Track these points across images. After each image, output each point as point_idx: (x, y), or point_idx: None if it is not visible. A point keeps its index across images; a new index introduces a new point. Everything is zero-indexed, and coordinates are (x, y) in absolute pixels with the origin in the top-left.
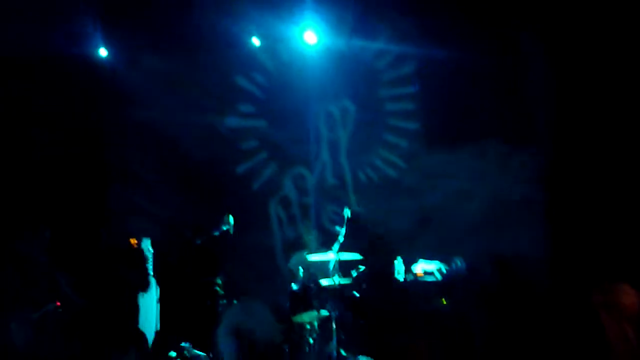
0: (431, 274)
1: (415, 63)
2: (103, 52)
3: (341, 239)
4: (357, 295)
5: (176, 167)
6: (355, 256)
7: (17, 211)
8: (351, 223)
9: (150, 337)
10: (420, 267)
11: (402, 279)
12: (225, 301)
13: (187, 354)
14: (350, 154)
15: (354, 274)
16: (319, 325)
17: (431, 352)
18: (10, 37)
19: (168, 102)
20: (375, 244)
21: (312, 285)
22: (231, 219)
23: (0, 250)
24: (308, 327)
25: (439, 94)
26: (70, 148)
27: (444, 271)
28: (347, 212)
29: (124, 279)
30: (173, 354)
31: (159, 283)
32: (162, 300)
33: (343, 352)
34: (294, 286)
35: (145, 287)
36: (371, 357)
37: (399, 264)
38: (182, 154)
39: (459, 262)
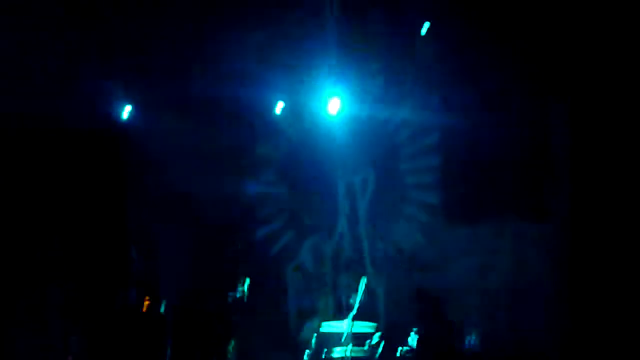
0: None
1: (436, 135)
2: (125, 114)
3: (355, 310)
4: None
5: (193, 231)
6: (369, 327)
7: (34, 270)
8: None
9: None
10: None
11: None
12: None
13: None
14: (368, 225)
15: (366, 347)
16: None
17: None
18: (30, 95)
19: (188, 167)
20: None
21: (324, 354)
22: (246, 285)
23: (14, 307)
24: None
25: (459, 168)
26: (88, 208)
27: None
28: (362, 283)
29: (139, 341)
30: None
31: (172, 347)
32: None
33: None
34: (307, 355)
35: (159, 350)
36: None
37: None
38: (200, 218)
39: (472, 339)
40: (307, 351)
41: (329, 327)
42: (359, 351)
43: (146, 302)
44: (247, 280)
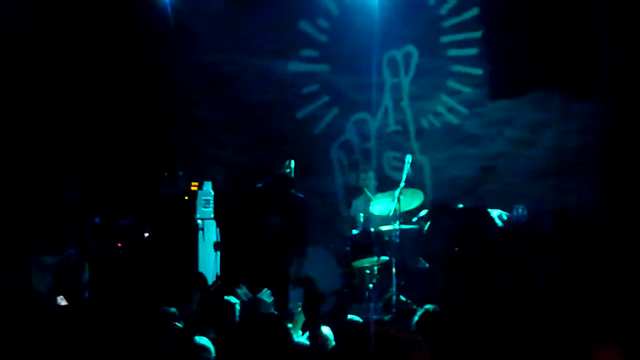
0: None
1: (477, 8)
2: None
3: (402, 185)
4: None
5: (237, 111)
6: (415, 202)
7: (60, 152)
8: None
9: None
10: None
11: None
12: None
13: (244, 297)
14: (412, 99)
15: (415, 219)
16: (378, 271)
17: (493, 304)
18: None
19: (230, 45)
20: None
21: (372, 230)
22: (292, 163)
23: (29, 191)
24: (368, 272)
25: (503, 40)
26: (131, 89)
27: (505, 217)
28: (408, 158)
29: (178, 223)
30: (232, 299)
31: (219, 226)
32: (222, 243)
33: (403, 298)
34: (355, 231)
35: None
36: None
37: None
38: (243, 98)
39: (520, 210)
40: (354, 227)
41: (377, 203)
42: (407, 226)
43: (194, 185)
44: (292, 161)
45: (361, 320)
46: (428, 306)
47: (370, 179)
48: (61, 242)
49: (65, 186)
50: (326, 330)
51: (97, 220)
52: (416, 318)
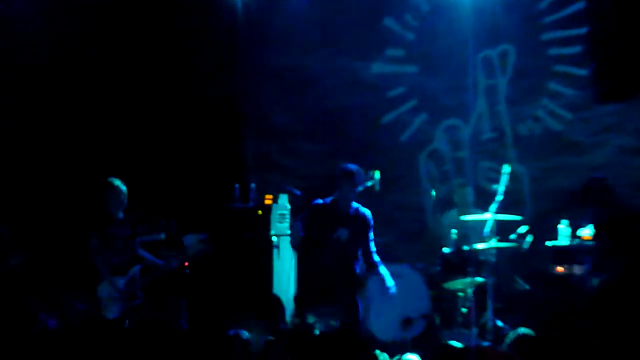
0: None
1: (584, 1)
2: None
3: (499, 198)
4: None
5: (317, 117)
6: (514, 217)
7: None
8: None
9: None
10: (589, 230)
11: (567, 243)
12: None
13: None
14: (509, 103)
15: (513, 236)
16: (472, 293)
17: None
18: None
19: (310, 46)
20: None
21: (465, 248)
22: (377, 174)
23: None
24: (461, 294)
25: (610, 38)
26: (201, 95)
27: None
28: (506, 169)
29: (252, 239)
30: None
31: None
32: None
33: (499, 323)
34: (446, 249)
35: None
36: (532, 329)
37: (563, 228)
38: (321, 103)
39: None
40: (445, 245)
41: (470, 218)
42: (504, 244)
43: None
44: (377, 172)
45: (460, 346)
46: (521, 329)
47: (469, 194)
48: (117, 261)
49: (113, 200)
50: (413, 357)
51: (162, 236)
52: (507, 341)
